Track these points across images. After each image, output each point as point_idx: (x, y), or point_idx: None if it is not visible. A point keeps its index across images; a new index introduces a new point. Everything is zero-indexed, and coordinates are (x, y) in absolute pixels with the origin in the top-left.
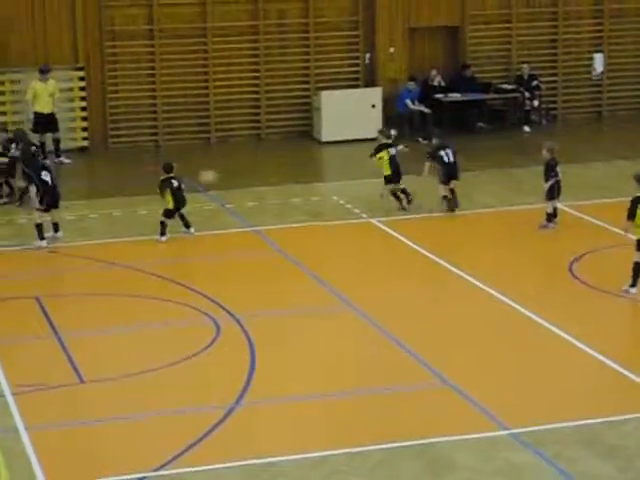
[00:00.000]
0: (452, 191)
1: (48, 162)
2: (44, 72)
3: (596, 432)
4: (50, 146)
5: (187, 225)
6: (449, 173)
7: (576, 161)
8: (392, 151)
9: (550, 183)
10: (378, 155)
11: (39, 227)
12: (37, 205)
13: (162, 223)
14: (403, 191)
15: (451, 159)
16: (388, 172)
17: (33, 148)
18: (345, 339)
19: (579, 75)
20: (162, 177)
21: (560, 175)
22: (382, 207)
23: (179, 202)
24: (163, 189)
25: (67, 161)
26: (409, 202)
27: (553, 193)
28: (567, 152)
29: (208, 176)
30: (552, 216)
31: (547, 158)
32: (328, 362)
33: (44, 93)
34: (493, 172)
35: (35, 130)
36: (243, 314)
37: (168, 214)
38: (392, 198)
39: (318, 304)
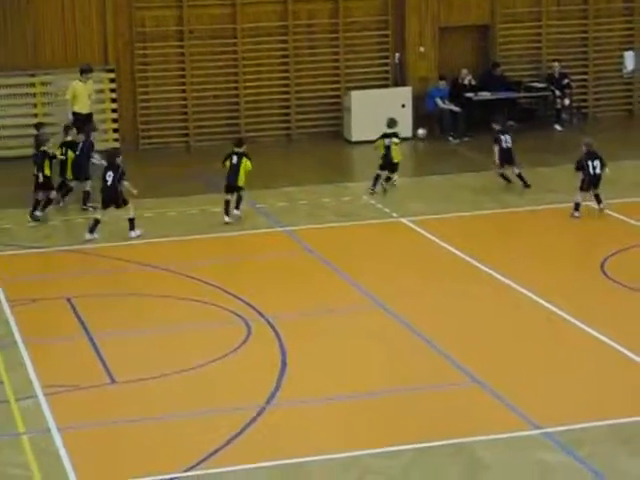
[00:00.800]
0: (519, 175)
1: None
2: (86, 72)
3: (630, 431)
4: None
5: (235, 207)
6: (505, 157)
7: (607, 159)
8: (387, 142)
9: (581, 177)
10: (376, 143)
11: (94, 222)
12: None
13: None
14: (387, 179)
15: (509, 145)
16: (381, 161)
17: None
18: (376, 339)
19: (610, 73)
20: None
21: (596, 169)
22: (410, 207)
23: (228, 176)
24: (224, 161)
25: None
26: (387, 187)
27: (582, 185)
28: (598, 150)
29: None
30: (578, 205)
31: (583, 152)
32: (359, 362)
33: (84, 93)
34: (523, 171)
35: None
36: (274, 314)
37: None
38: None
39: (349, 304)
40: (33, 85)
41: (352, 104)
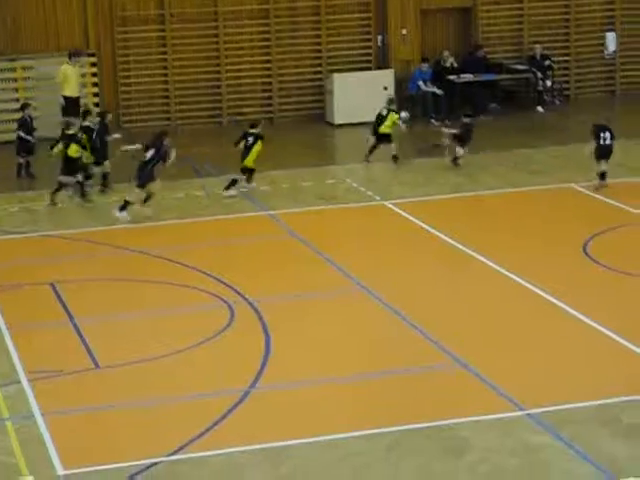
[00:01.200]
0: None
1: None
2: (75, 56)
3: (613, 412)
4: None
5: (225, 187)
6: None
7: (589, 140)
8: (384, 111)
9: (593, 146)
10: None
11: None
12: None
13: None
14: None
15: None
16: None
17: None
18: (359, 322)
19: (591, 54)
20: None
21: (606, 141)
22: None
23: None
24: (237, 142)
25: None
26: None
27: (595, 154)
28: (579, 131)
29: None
30: (600, 176)
31: (595, 124)
32: (343, 345)
33: (74, 77)
34: (505, 153)
35: (65, 114)
36: (257, 298)
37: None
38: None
39: (332, 287)
40: (14, 70)
41: (334, 87)
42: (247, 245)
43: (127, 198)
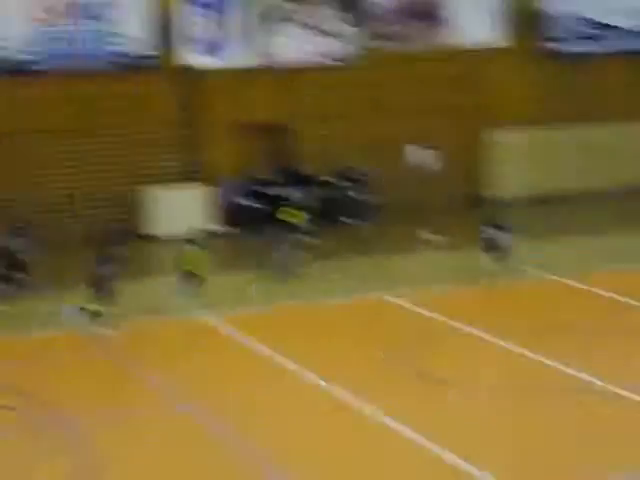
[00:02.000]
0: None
1: None
2: None
3: None
4: None
5: None
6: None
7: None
8: None
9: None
10: None
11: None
12: None
13: None
14: None
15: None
16: None
17: None
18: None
19: (403, 169)
20: None
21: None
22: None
23: None
24: None
25: None
26: None
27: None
28: (389, 242)
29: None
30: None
31: None
32: None
33: None
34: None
35: None
36: None
37: None
38: None
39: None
40: None
41: (148, 200)
42: None
43: None
